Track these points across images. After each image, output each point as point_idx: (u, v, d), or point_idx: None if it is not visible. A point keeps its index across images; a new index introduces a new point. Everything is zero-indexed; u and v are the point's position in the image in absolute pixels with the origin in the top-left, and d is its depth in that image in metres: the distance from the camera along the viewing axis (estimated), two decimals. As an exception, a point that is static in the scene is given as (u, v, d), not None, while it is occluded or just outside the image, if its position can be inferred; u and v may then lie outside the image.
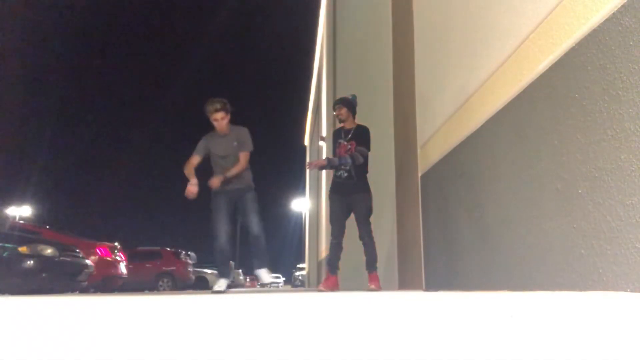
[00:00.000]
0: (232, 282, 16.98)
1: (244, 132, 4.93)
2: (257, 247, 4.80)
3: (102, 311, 1.45)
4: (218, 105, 4.76)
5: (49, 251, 7.16)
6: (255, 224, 4.78)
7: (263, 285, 4.51)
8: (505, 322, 0.86)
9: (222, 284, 4.73)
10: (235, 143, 4.88)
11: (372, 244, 4.47)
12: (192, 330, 0.83)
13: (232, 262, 11.13)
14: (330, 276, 4.54)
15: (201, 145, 4.91)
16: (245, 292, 5.43)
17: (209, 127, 4.98)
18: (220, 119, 4.78)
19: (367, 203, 4.55)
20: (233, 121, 4.96)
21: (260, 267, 4.79)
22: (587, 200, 2.06)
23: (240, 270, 25.52)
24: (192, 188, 4.73)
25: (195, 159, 4.87)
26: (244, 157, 4.88)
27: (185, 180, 4.82)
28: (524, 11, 2.65)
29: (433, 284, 4.23)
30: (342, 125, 4.76)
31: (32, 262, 6.87)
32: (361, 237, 4.52)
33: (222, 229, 4.75)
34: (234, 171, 4.79)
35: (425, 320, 0.93)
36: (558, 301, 1.41)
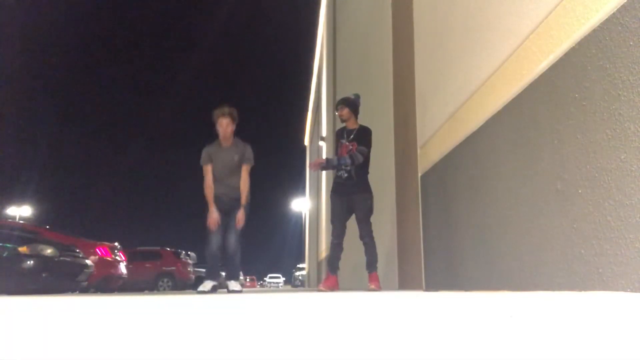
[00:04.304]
0: (219, 284, 17.01)
1: (247, 148, 5.00)
2: (230, 263, 4.90)
3: (102, 311, 1.45)
4: (226, 110, 4.84)
5: (49, 251, 7.16)
6: (232, 243, 4.85)
7: (230, 292, 4.65)
8: (505, 322, 0.87)
9: (207, 284, 4.81)
10: (236, 156, 4.92)
11: (372, 244, 4.47)
12: (193, 330, 0.83)
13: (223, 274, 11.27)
14: (331, 276, 4.54)
15: (206, 154, 4.97)
16: (245, 292, 5.43)
17: (208, 129, 5.01)
18: (225, 125, 4.83)
19: (368, 203, 4.55)
20: (238, 132, 5.07)
21: (229, 279, 4.92)
22: (587, 200, 2.06)
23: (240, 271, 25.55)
24: (215, 217, 4.85)
25: (209, 170, 4.92)
26: (245, 171, 4.92)
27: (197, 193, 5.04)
28: (524, 11, 2.65)
29: (433, 284, 4.23)
30: (344, 125, 4.76)
31: (32, 262, 6.87)
32: (361, 237, 4.52)
33: (214, 237, 4.84)
34: (244, 191, 4.89)
35: (425, 320, 0.93)
36: (558, 301, 1.41)
